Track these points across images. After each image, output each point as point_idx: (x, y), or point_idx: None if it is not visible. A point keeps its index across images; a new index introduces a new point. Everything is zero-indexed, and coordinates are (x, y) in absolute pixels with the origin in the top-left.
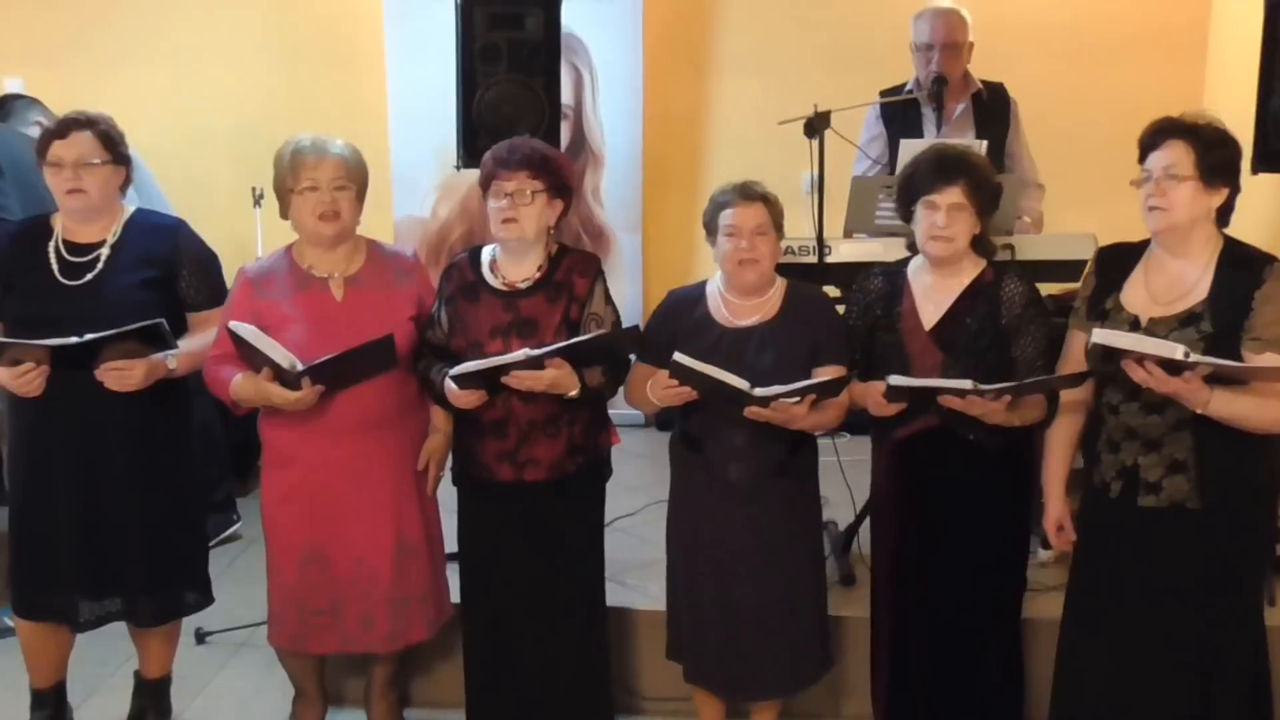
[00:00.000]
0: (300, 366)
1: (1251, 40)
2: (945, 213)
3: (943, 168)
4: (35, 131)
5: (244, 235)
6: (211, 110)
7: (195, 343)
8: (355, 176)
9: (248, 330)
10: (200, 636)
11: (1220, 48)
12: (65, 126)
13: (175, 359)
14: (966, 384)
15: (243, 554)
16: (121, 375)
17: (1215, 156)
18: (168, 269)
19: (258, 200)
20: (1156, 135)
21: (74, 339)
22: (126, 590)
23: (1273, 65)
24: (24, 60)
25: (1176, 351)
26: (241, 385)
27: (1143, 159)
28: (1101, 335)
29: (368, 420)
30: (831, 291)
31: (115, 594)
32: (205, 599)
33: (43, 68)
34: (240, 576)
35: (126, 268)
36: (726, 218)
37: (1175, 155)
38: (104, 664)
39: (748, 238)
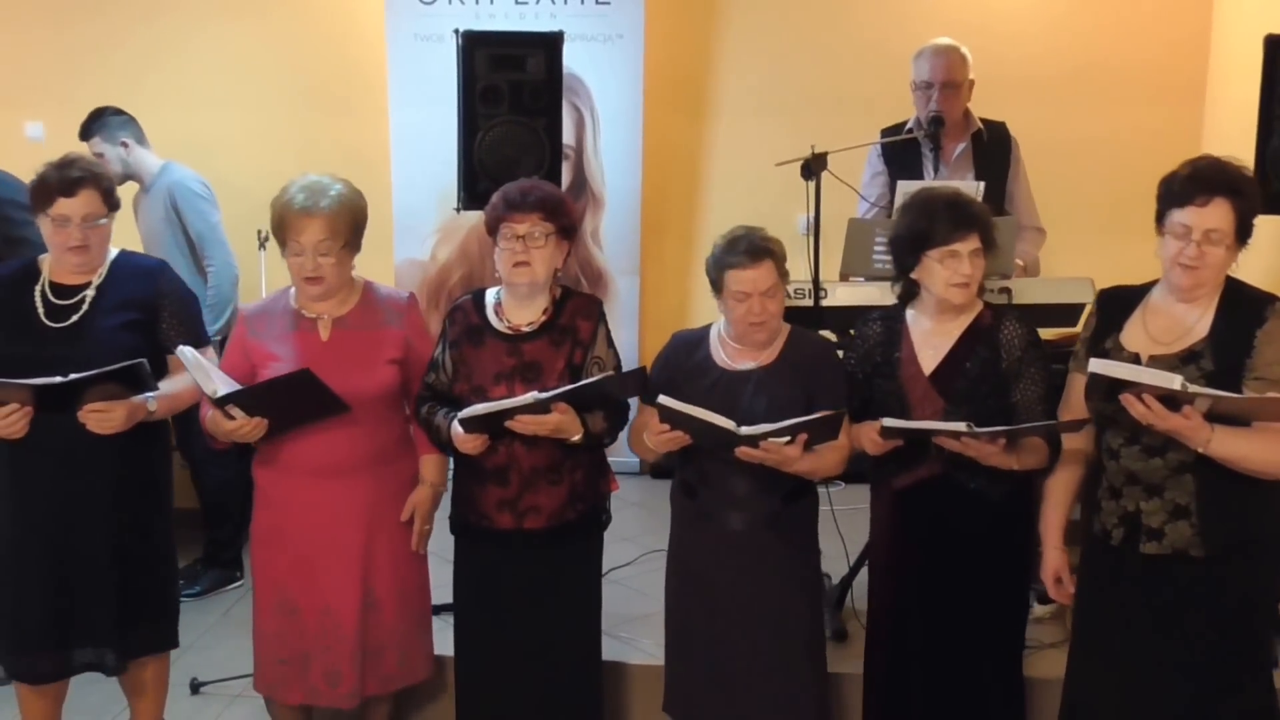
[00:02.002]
0: (221, 393)
1: (1250, 81)
2: (969, 260)
3: (962, 217)
4: (120, 152)
5: (249, 277)
6: (215, 153)
7: (175, 384)
8: (342, 232)
9: (188, 355)
10: (195, 687)
11: (1219, 89)
12: (72, 184)
13: (155, 401)
14: (961, 426)
15: (238, 603)
16: (102, 417)
17: (1250, 212)
18: (149, 311)
19: (262, 243)
20: (1202, 189)
21: (56, 379)
22: (96, 639)
23: (1272, 105)
24: (43, 105)
25: (1175, 382)
26: (209, 418)
27: (1175, 205)
28: (1099, 365)
29: (339, 464)
30: (828, 335)
31: (85, 644)
32: (170, 640)
33: (61, 113)
34: (235, 626)
35: (109, 310)
36: (736, 282)
37: (1221, 218)
38: (101, 714)
39: (757, 300)
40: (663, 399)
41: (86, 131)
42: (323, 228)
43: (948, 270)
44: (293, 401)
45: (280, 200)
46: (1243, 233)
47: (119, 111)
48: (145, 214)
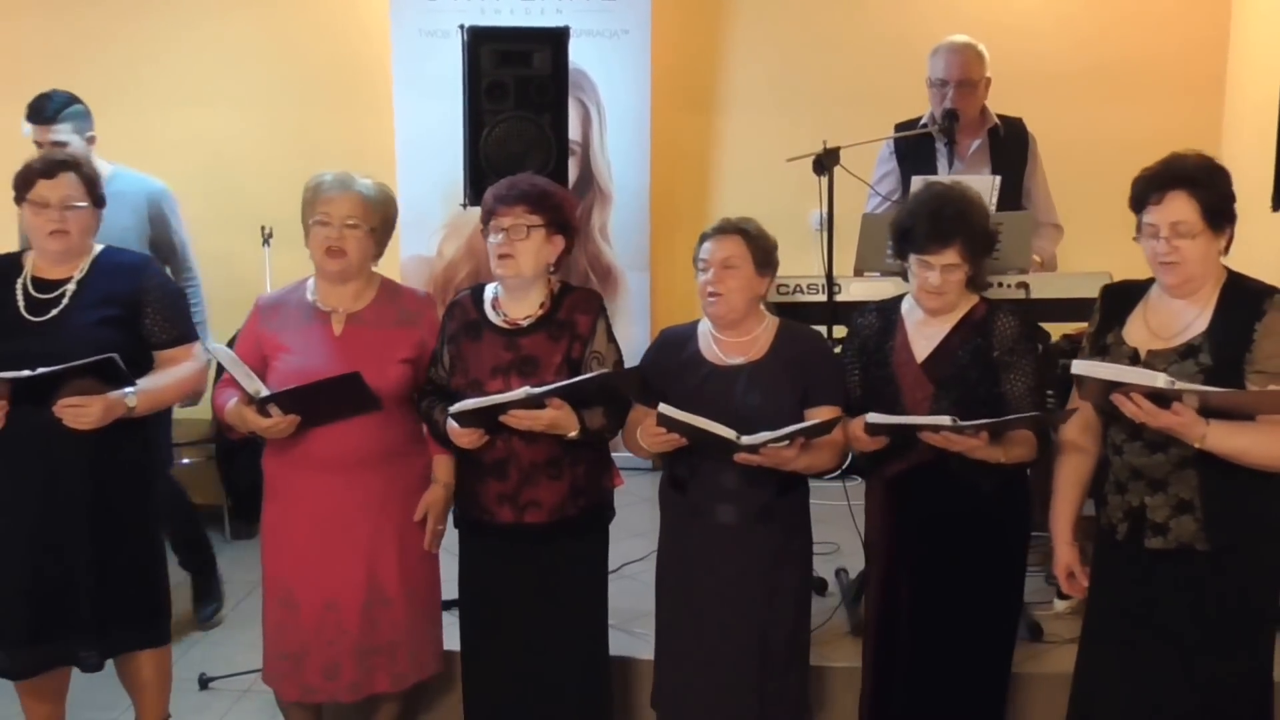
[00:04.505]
0: (264, 393)
1: (1270, 74)
2: (939, 273)
3: (939, 230)
4: (86, 148)
5: (253, 273)
6: (220, 150)
7: (158, 381)
8: (372, 215)
9: (222, 353)
10: (204, 682)
11: (1238, 83)
12: (52, 167)
13: (134, 397)
14: (945, 420)
15: (246, 598)
16: (78, 412)
17: (1216, 198)
18: (130, 307)
19: (266, 239)
20: (1154, 188)
21: (24, 373)
22: (72, 635)
23: None
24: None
25: (1159, 380)
26: (230, 409)
27: (1138, 209)
28: (1081, 366)
29: (349, 459)
30: (840, 331)
31: (63, 638)
32: (157, 638)
33: None
34: (243, 621)
35: (89, 305)
36: (701, 251)
37: (1181, 210)
38: (109, 709)
39: (714, 270)
40: (663, 408)
41: (50, 115)
42: (354, 203)
43: (919, 278)
44: (331, 401)
45: (311, 183)
46: (1214, 220)
47: (78, 100)
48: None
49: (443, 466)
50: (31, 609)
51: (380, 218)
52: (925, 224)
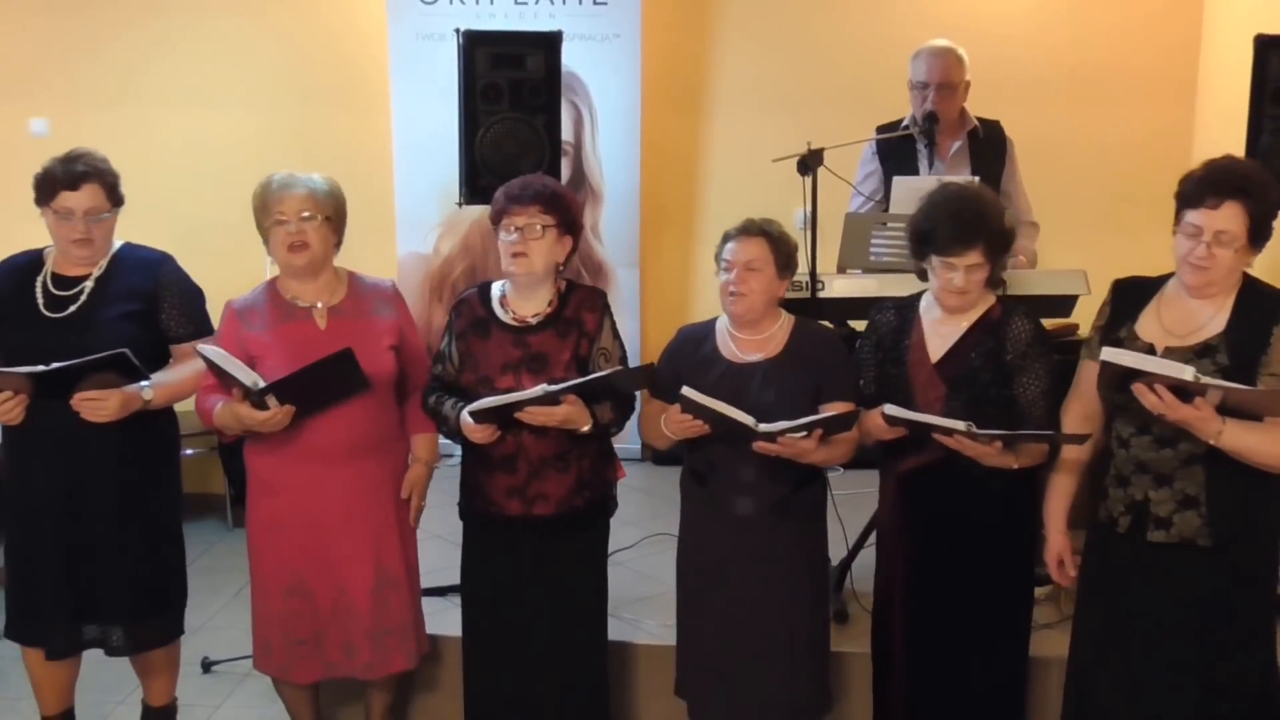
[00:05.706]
0: (262, 384)
1: (1240, 79)
2: (963, 274)
3: (963, 233)
4: None
5: (253, 275)
6: (218, 151)
7: (175, 374)
8: (324, 206)
9: (214, 352)
10: (206, 666)
11: (1209, 87)
12: (75, 178)
13: (151, 391)
14: (961, 425)
15: (248, 584)
16: (95, 405)
17: (1263, 214)
18: (150, 302)
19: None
20: (1213, 192)
21: (39, 368)
22: (103, 618)
23: (1261, 104)
24: (47, 101)
25: (1186, 373)
26: (220, 411)
27: (1189, 206)
28: (1111, 354)
29: (344, 449)
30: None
31: (91, 621)
32: (175, 630)
33: (67, 110)
34: (246, 607)
35: (109, 301)
36: (725, 251)
37: (1232, 221)
38: (114, 692)
39: (737, 270)
40: (686, 391)
41: None
42: (304, 198)
43: (942, 279)
44: (325, 385)
45: (257, 191)
46: (1257, 235)
47: None
48: None
49: (423, 445)
50: (67, 589)
51: (333, 207)
52: (948, 226)
